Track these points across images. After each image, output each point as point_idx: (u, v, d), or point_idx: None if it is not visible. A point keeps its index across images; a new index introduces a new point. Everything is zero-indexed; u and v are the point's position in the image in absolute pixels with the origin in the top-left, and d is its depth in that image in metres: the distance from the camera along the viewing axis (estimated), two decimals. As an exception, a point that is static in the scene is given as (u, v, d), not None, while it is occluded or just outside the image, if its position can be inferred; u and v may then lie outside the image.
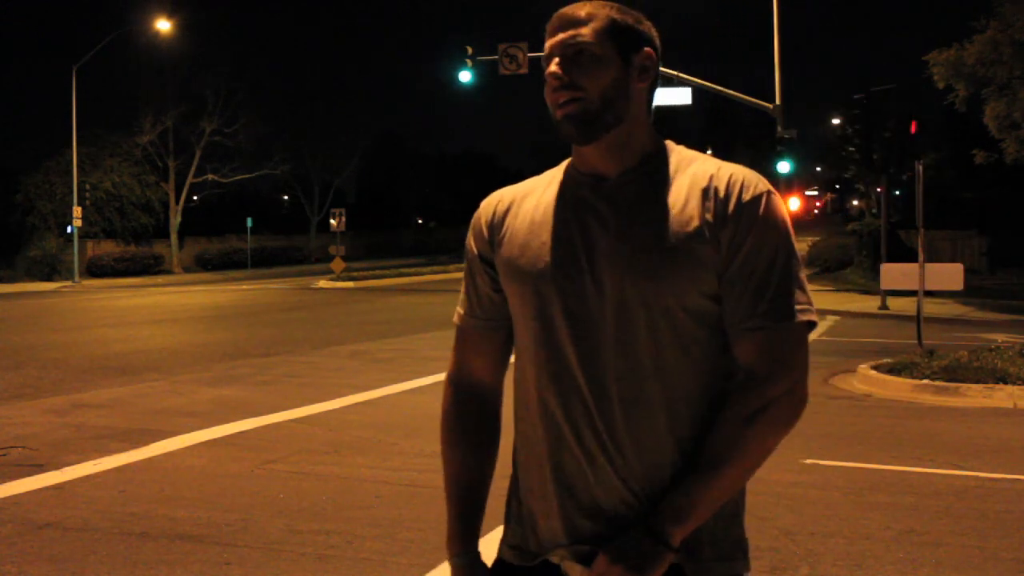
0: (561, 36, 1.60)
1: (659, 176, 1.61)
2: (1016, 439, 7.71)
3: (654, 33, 1.66)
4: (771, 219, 1.55)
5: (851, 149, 35.29)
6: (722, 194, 1.55)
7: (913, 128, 22.94)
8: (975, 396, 9.28)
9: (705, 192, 1.56)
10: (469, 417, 1.77)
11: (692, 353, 1.55)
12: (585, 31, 1.59)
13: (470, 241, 1.77)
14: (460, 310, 1.79)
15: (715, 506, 1.53)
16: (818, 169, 53.35)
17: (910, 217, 19.99)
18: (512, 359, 1.76)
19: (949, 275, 12.37)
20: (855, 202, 54.72)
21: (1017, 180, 34.35)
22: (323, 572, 4.52)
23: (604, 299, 1.55)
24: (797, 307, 1.53)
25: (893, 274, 12.96)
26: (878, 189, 31.20)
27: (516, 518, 1.70)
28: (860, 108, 21.83)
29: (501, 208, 1.73)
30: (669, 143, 1.66)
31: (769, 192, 1.57)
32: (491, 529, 1.83)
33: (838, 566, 4.57)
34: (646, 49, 1.63)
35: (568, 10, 1.63)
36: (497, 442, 1.79)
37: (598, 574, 1.50)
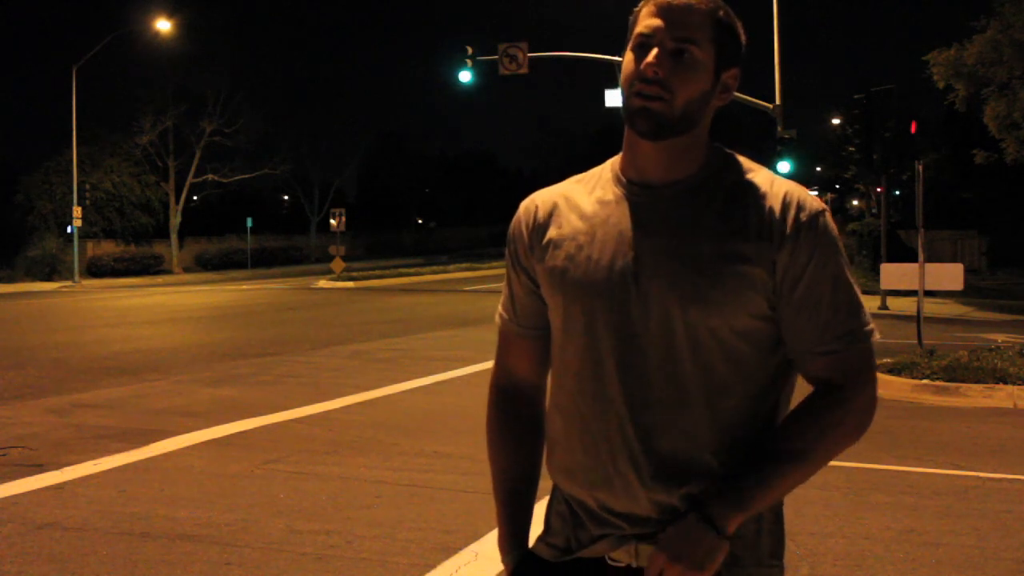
0: (669, 26, 1.50)
1: (711, 190, 1.55)
2: (1016, 439, 7.71)
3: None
4: (829, 240, 1.52)
5: (851, 149, 35.32)
6: (778, 214, 1.51)
7: (913, 128, 22.98)
8: (975, 396, 9.27)
9: (759, 211, 1.52)
10: (514, 417, 1.76)
11: (738, 374, 1.52)
12: (696, 31, 1.50)
13: (509, 246, 1.72)
14: (502, 312, 1.76)
15: (770, 502, 1.52)
16: (818, 169, 53.25)
17: (910, 217, 19.99)
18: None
19: (949, 275, 12.37)
20: (855, 202, 54.71)
21: (1017, 180, 34.38)
22: (323, 572, 4.52)
23: (649, 317, 1.51)
24: (866, 328, 1.54)
25: (893, 274, 12.96)
26: (878, 189, 31.20)
27: (558, 518, 1.66)
28: (860, 108, 21.84)
29: (543, 214, 1.66)
30: (726, 153, 1.60)
31: (824, 211, 1.53)
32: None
33: (838, 566, 4.57)
34: (735, 68, 1.57)
35: None
36: (543, 441, 1.77)
37: (655, 570, 1.48)
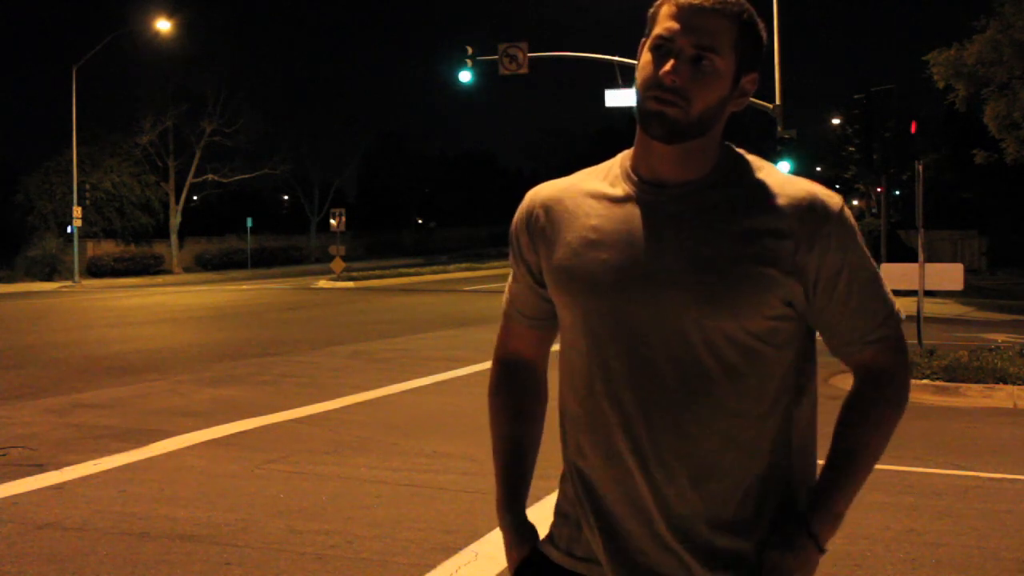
0: (690, 31, 1.45)
1: (723, 190, 1.51)
2: (1016, 439, 7.71)
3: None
4: (854, 233, 1.51)
5: (851, 149, 35.31)
6: (800, 213, 1.47)
7: (913, 128, 22.94)
8: (975, 396, 9.28)
9: (776, 210, 1.48)
10: (514, 386, 1.76)
11: (753, 371, 1.49)
12: (718, 37, 1.46)
13: (513, 238, 1.69)
14: (508, 297, 1.76)
15: (851, 502, 1.58)
16: (818, 169, 53.19)
17: (910, 217, 19.98)
18: (556, 348, 1.72)
19: (949, 275, 12.37)
20: (855, 202, 54.64)
21: (1017, 180, 34.37)
22: (323, 572, 4.52)
23: (659, 318, 1.48)
24: (896, 308, 1.58)
25: (893, 274, 12.93)
26: (878, 189, 31.22)
27: (564, 520, 1.64)
28: (860, 108, 21.82)
29: (548, 207, 1.62)
30: (738, 152, 1.56)
31: (843, 206, 1.51)
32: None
33: (838, 566, 4.56)
34: (754, 73, 1.53)
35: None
36: (542, 410, 1.78)
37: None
